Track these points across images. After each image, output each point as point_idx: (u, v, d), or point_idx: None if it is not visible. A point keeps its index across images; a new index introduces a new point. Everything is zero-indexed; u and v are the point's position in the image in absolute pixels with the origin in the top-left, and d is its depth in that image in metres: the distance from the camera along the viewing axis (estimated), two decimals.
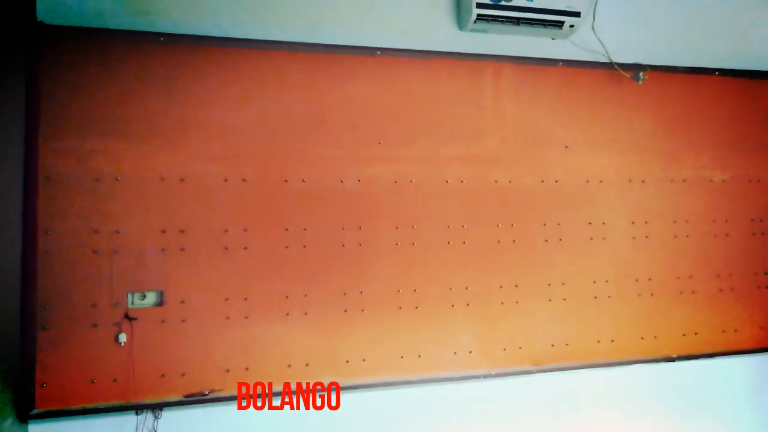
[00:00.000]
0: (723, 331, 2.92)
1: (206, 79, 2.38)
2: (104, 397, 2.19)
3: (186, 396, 2.26)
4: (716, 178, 2.97)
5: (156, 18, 2.38)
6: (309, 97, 2.49)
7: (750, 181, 3.02)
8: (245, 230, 2.38)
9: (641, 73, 2.82)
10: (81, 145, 2.22)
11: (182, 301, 2.29)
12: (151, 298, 2.26)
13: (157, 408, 2.24)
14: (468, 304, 2.60)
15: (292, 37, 2.51)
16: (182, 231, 2.31)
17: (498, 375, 2.60)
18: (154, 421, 2.25)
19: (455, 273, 2.61)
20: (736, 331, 2.94)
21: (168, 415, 2.27)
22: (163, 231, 2.29)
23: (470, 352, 2.59)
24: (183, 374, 2.27)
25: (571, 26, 2.69)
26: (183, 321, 2.28)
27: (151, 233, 2.27)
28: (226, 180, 2.37)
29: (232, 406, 2.35)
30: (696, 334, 2.88)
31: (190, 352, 2.28)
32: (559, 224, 2.74)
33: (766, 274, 3.00)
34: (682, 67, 2.94)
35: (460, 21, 2.72)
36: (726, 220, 2.96)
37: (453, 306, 2.59)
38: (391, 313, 2.52)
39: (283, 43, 2.47)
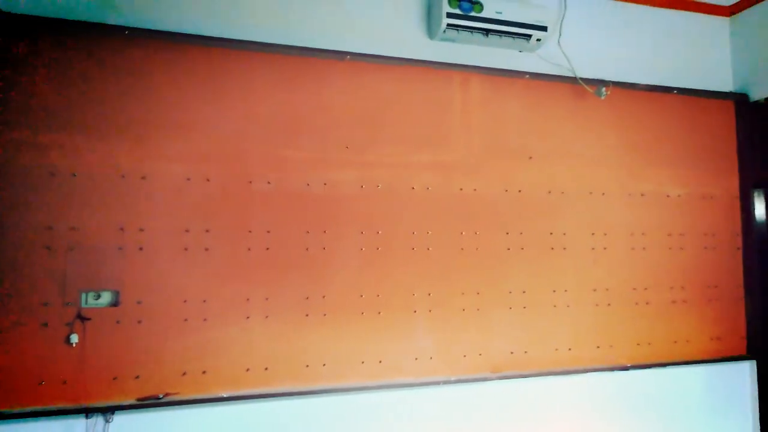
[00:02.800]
0: (675, 342, 3.01)
1: (172, 76, 2.34)
2: (52, 400, 2.11)
3: (139, 399, 2.20)
4: (672, 193, 3.07)
5: (122, 11, 2.33)
6: (277, 99, 2.47)
7: (704, 198, 3.13)
8: (207, 231, 2.34)
9: (604, 89, 2.90)
10: (36, 138, 2.15)
11: (139, 302, 2.23)
12: (106, 297, 2.19)
13: (108, 411, 2.16)
14: (430, 310, 2.62)
15: (262, 38, 2.49)
16: (141, 230, 2.25)
17: (458, 381, 2.62)
18: (104, 425, 2.17)
19: (419, 279, 2.62)
20: (687, 341, 3.03)
21: (120, 419, 2.20)
22: (121, 229, 2.23)
23: (431, 358, 2.60)
24: (137, 377, 2.20)
25: (538, 40, 2.75)
26: (139, 322, 2.23)
27: (108, 231, 2.21)
28: (188, 179, 2.33)
29: (188, 410, 2.29)
30: (650, 344, 2.96)
31: (145, 354, 2.22)
32: (521, 233, 2.78)
33: (716, 287, 3.11)
34: (643, 84, 3.04)
35: (430, 30, 2.74)
36: (681, 234, 3.06)
37: (415, 312, 2.60)
38: (353, 318, 2.51)
39: (252, 43, 2.45)
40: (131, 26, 2.30)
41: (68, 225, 2.16)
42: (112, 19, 2.30)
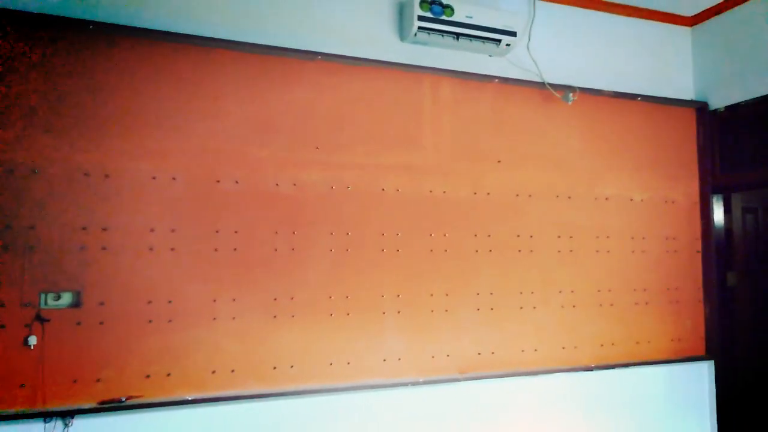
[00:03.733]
0: (637, 343, 3.09)
1: (138, 73, 2.30)
2: (9, 404, 2.04)
3: (101, 403, 2.15)
4: (636, 197, 3.15)
5: (88, 4, 2.27)
6: (246, 98, 2.45)
7: (666, 202, 3.22)
8: (173, 230, 2.30)
9: (571, 94, 2.96)
10: None
11: (101, 303, 2.18)
12: (66, 298, 2.13)
13: (67, 415, 2.11)
14: (399, 312, 2.62)
15: (232, 36, 2.46)
16: (105, 229, 2.20)
17: (426, 382, 2.63)
18: (64, 429, 2.11)
19: (388, 280, 2.62)
20: (649, 342, 3.11)
21: (80, 423, 2.14)
22: (84, 228, 2.17)
23: (399, 359, 2.60)
24: (98, 380, 2.15)
25: (508, 45, 2.79)
26: (101, 323, 2.17)
27: (69, 230, 2.15)
28: (154, 178, 2.29)
29: (152, 414, 2.24)
30: (613, 344, 3.03)
31: (107, 357, 2.17)
32: (489, 236, 2.81)
33: (677, 289, 3.21)
34: (608, 91, 3.11)
35: (402, 32, 2.76)
36: (643, 238, 3.14)
37: (384, 313, 2.60)
38: (321, 320, 2.50)
39: (222, 41, 2.42)
40: (97, 20, 2.25)
41: (27, 224, 2.10)
42: (77, 13, 2.25)
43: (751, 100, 3.06)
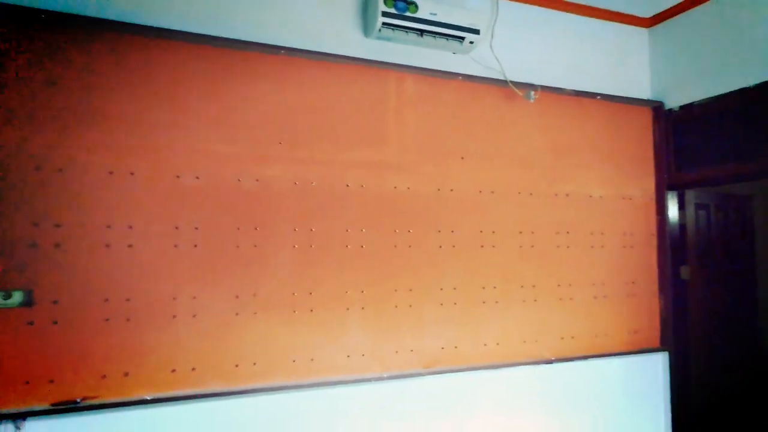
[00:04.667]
0: (596, 336, 3.17)
1: (93, 64, 2.23)
2: None
3: (54, 404, 2.08)
4: (595, 193, 3.23)
5: None
6: (207, 92, 2.41)
7: (623, 198, 3.31)
8: (130, 227, 2.24)
9: (532, 92, 3.00)
10: None
11: (55, 302, 2.11)
12: (17, 297, 2.06)
13: (18, 418, 2.03)
14: (363, 308, 2.63)
15: (192, 28, 2.41)
16: (58, 225, 2.13)
17: (390, 378, 2.64)
18: (15, 431, 2.05)
19: (352, 276, 2.62)
20: (607, 335, 3.20)
21: (32, 426, 2.07)
22: (35, 224, 2.10)
23: (363, 355, 2.61)
24: (51, 380, 2.08)
25: (471, 42, 2.81)
26: (55, 323, 2.11)
27: (20, 227, 2.08)
28: (111, 173, 2.22)
29: (108, 415, 2.19)
30: (573, 338, 3.10)
31: (61, 357, 2.11)
32: (452, 231, 2.84)
33: (634, 283, 3.30)
34: (569, 89, 3.17)
35: (366, 28, 2.75)
36: (602, 233, 3.22)
37: (348, 309, 2.60)
38: (285, 317, 2.48)
39: (180, 33, 2.36)
40: (49, 9, 2.17)
41: None
42: (28, 1, 2.16)
43: (704, 99, 3.16)
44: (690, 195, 3.55)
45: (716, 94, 3.09)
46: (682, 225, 3.49)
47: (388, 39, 2.76)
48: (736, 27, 3.00)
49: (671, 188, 3.41)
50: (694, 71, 3.24)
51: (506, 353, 2.91)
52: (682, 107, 3.31)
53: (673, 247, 3.42)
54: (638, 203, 3.36)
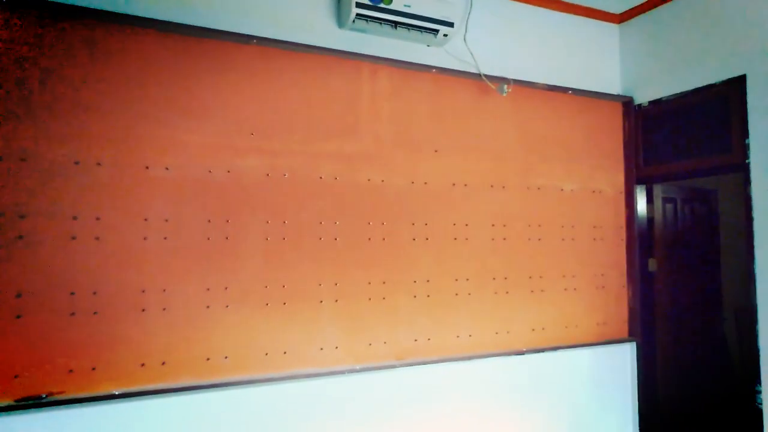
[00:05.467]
0: (566, 327, 3.22)
1: (56, 52, 2.16)
2: None
3: (18, 400, 2.03)
4: (566, 187, 3.28)
5: None
6: (177, 81, 2.36)
7: (593, 192, 3.36)
8: (98, 219, 2.19)
9: (505, 86, 3.03)
10: None
11: (18, 295, 2.05)
12: None
13: None
14: (336, 300, 2.62)
15: (161, 15, 2.36)
16: (22, 216, 2.07)
17: (363, 370, 2.65)
18: None
19: (325, 269, 2.61)
20: (577, 326, 3.26)
21: None
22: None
23: (336, 347, 2.61)
24: (15, 376, 2.03)
25: (445, 35, 2.81)
26: (18, 317, 2.05)
27: None
28: (77, 163, 2.17)
29: (74, 410, 2.15)
30: (543, 329, 3.15)
31: (25, 352, 2.06)
32: (426, 224, 2.85)
33: (603, 275, 3.37)
34: (541, 83, 3.20)
35: (340, 19, 2.73)
36: (572, 226, 3.27)
37: (321, 302, 2.59)
38: (257, 310, 2.46)
39: (148, 20, 2.31)
40: None
41: None
42: None
43: (672, 95, 3.23)
44: (658, 189, 3.64)
45: (684, 90, 3.16)
46: (650, 218, 3.58)
47: (363, 31, 2.75)
48: (703, 24, 3.06)
49: (640, 182, 3.49)
50: (663, 67, 3.30)
51: (479, 345, 2.95)
52: (651, 102, 3.37)
53: (641, 239, 3.50)
54: (608, 197, 3.42)
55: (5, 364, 2.02)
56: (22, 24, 2.11)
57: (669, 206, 3.82)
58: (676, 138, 3.25)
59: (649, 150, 3.42)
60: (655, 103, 3.34)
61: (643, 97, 3.43)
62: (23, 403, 2.04)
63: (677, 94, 3.20)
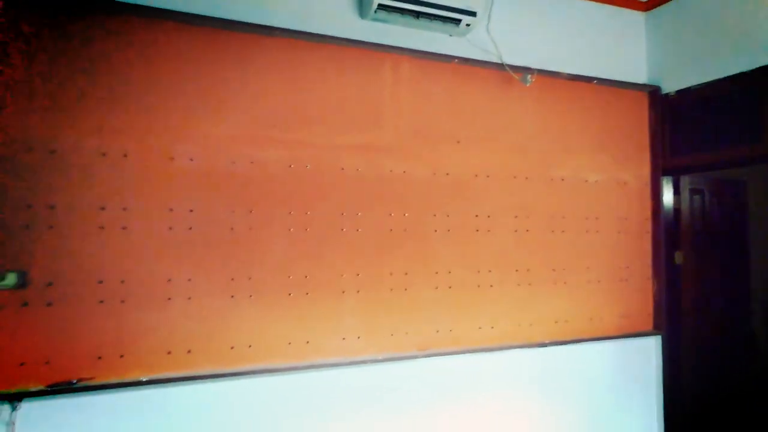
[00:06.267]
0: (590, 319, 3.19)
1: (84, 47, 2.20)
2: None
3: (50, 385, 2.08)
4: (590, 178, 3.23)
5: None
6: (201, 73, 2.38)
7: (618, 183, 3.31)
8: (124, 209, 2.23)
9: (529, 76, 2.99)
10: None
11: (49, 283, 2.11)
12: (11, 279, 2.05)
13: (15, 399, 2.04)
14: (358, 291, 2.63)
15: (186, 8, 2.38)
16: (51, 207, 2.12)
17: (385, 360, 2.66)
18: (11, 412, 2.05)
19: (347, 260, 2.62)
20: (601, 319, 3.22)
21: (28, 407, 2.08)
22: (29, 206, 2.09)
23: (359, 337, 2.62)
24: (47, 362, 2.09)
25: (468, 25, 2.79)
26: (49, 305, 2.10)
27: (13, 208, 2.06)
28: (104, 154, 2.21)
29: (104, 396, 2.20)
30: (566, 321, 3.12)
31: (56, 339, 2.11)
32: (448, 215, 2.84)
33: (627, 268, 3.32)
34: (565, 73, 3.15)
35: (362, 9, 2.72)
36: (596, 218, 3.23)
37: (344, 292, 2.60)
38: (280, 299, 2.48)
39: (173, 13, 2.34)
40: None
41: None
42: None
43: (700, 84, 3.16)
44: (685, 180, 3.57)
45: (713, 78, 3.08)
46: (676, 210, 3.51)
47: (384, 21, 2.74)
48: (733, 11, 2.98)
49: (666, 173, 3.42)
50: (691, 55, 3.23)
51: (500, 336, 2.93)
52: (678, 92, 3.30)
53: (667, 232, 3.43)
54: (633, 188, 3.36)
55: (37, 350, 2.08)
56: (49, 18, 2.15)
57: (696, 198, 3.75)
58: (704, 128, 3.18)
59: (675, 140, 3.35)
60: (683, 92, 3.27)
61: (670, 87, 3.36)
62: (55, 388, 2.09)
63: (706, 83, 3.13)
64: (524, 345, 2.99)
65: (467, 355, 2.87)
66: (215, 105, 2.40)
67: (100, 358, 2.17)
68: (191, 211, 2.34)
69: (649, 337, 3.39)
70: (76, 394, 2.15)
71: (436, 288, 2.80)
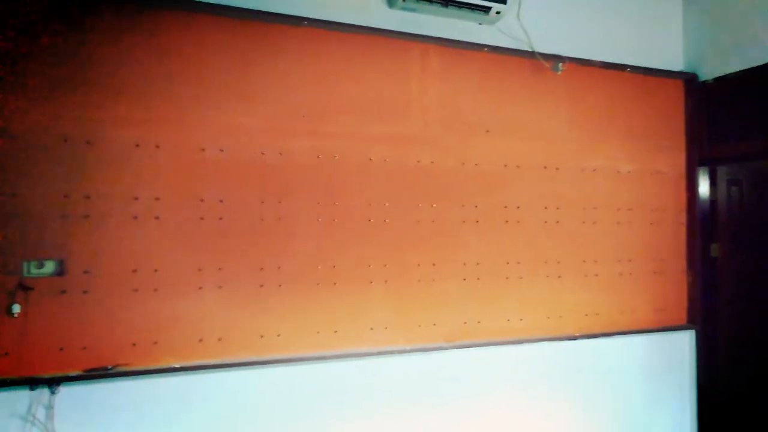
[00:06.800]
0: (621, 312, 3.13)
1: (119, 40, 2.24)
2: None
3: (87, 370, 2.15)
4: (623, 169, 3.16)
5: None
6: (230, 64, 2.40)
7: (652, 174, 3.23)
8: (157, 199, 2.27)
9: (560, 64, 2.93)
10: None
11: (86, 271, 2.16)
12: (49, 267, 2.11)
13: (54, 383, 2.10)
14: (386, 281, 2.63)
15: None
16: (87, 197, 2.17)
17: (412, 351, 2.66)
18: (50, 396, 2.11)
19: (375, 250, 2.63)
20: (633, 312, 3.16)
21: (66, 391, 2.14)
22: (66, 196, 2.14)
23: (386, 328, 2.62)
24: (84, 348, 2.15)
25: (498, 13, 2.74)
26: (86, 292, 2.16)
27: (51, 198, 2.12)
28: (137, 145, 2.25)
29: (138, 381, 2.25)
30: (597, 314, 3.07)
31: (93, 325, 2.17)
32: (476, 206, 2.82)
33: (661, 260, 3.24)
34: (598, 61, 3.08)
35: None
36: (629, 209, 3.16)
37: (371, 282, 2.61)
38: (308, 289, 2.50)
39: (204, 5, 2.36)
40: None
41: (9, 191, 2.06)
42: None
43: (740, 71, 3.05)
44: (722, 171, 3.45)
45: (754, 65, 2.97)
46: (713, 201, 3.41)
47: (413, 10, 2.71)
48: None
49: (702, 163, 3.32)
50: (732, 41, 3.12)
51: (529, 329, 2.90)
52: (716, 79, 3.20)
53: (703, 224, 3.34)
54: (668, 179, 3.28)
55: (75, 336, 2.14)
56: (83, 14, 2.19)
57: (734, 189, 3.62)
58: (744, 116, 3.07)
59: (713, 130, 3.25)
60: (721, 79, 3.17)
61: (708, 74, 3.25)
62: (91, 373, 2.15)
63: (745, 70, 3.02)
64: (553, 338, 2.96)
65: (495, 347, 2.85)
66: (244, 96, 2.42)
67: (134, 344, 2.22)
68: (221, 201, 2.37)
69: (683, 331, 3.31)
70: (111, 379, 2.20)
71: (464, 279, 2.78)
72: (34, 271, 2.09)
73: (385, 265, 2.63)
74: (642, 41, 3.29)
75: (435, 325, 2.71)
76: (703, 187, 3.36)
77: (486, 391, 2.85)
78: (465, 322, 2.77)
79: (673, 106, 3.30)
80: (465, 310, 2.77)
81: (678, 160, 3.31)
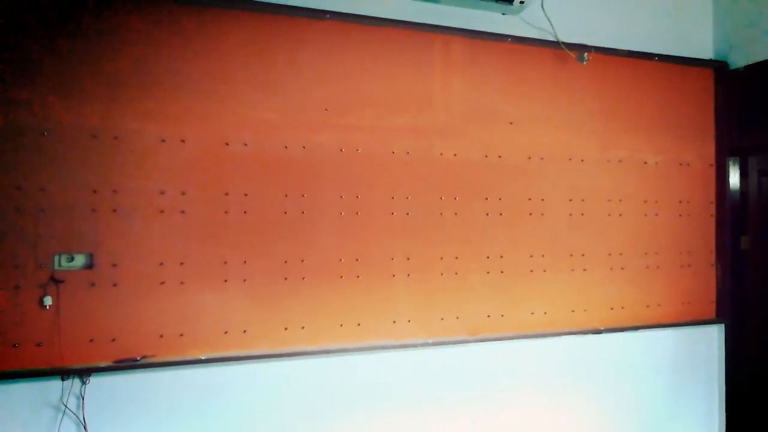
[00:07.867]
0: (648, 306, 3.08)
1: (144, 35, 2.26)
2: (27, 362, 2.08)
3: (116, 361, 2.19)
4: (650, 160, 3.10)
5: None
6: (253, 58, 2.41)
7: (680, 165, 3.17)
8: (183, 193, 2.30)
9: (586, 54, 2.88)
10: (4, 95, 2.07)
11: (114, 265, 2.20)
12: (79, 260, 2.16)
13: (84, 373, 2.15)
14: (409, 275, 2.63)
15: None
16: (115, 191, 2.21)
17: (435, 344, 2.66)
18: (81, 386, 2.17)
19: (398, 243, 2.62)
20: (659, 305, 3.11)
21: (96, 381, 2.19)
22: (94, 191, 2.18)
23: (409, 321, 2.62)
24: (113, 339, 2.19)
25: (522, 2, 2.70)
26: (114, 285, 2.20)
27: (80, 192, 2.16)
28: (163, 140, 2.27)
29: (165, 373, 2.29)
30: (623, 308, 3.02)
31: (121, 317, 2.21)
32: (500, 199, 2.79)
33: (689, 253, 3.18)
34: (624, 50, 3.02)
35: None
36: (656, 201, 3.10)
37: (394, 276, 2.61)
38: (332, 282, 2.51)
39: (227, 0, 2.36)
40: None
41: (38, 186, 2.11)
42: None
43: None
44: (753, 161, 3.36)
45: None
46: (743, 193, 3.32)
47: (435, 1, 2.69)
48: None
49: (732, 154, 3.24)
50: (762, 27, 3.02)
51: (554, 322, 2.88)
52: (747, 67, 3.11)
53: (732, 216, 3.26)
54: (696, 170, 3.21)
55: (104, 328, 2.18)
56: (112, 8, 2.22)
57: (765, 180, 3.53)
58: None
59: (743, 119, 3.17)
60: (752, 68, 3.08)
61: (739, 61, 3.16)
62: (120, 364, 2.20)
63: None
64: (578, 331, 2.93)
65: (519, 341, 2.83)
66: (267, 90, 2.43)
67: (161, 336, 2.26)
68: (246, 195, 2.39)
69: (711, 325, 3.25)
70: (139, 370, 2.24)
71: (488, 272, 2.76)
72: (64, 264, 2.14)
73: (408, 259, 2.63)
74: (670, 29, 3.21)
75: (458, 318, 2.70)
76: (734, 178, 3.28)
77: (509, 385, 2.84)
78: (488, 316, 2.76)
79: (702, 96, 3.22)
80: (488, 304, 2.76)
81: (707, 150, 3.23)
